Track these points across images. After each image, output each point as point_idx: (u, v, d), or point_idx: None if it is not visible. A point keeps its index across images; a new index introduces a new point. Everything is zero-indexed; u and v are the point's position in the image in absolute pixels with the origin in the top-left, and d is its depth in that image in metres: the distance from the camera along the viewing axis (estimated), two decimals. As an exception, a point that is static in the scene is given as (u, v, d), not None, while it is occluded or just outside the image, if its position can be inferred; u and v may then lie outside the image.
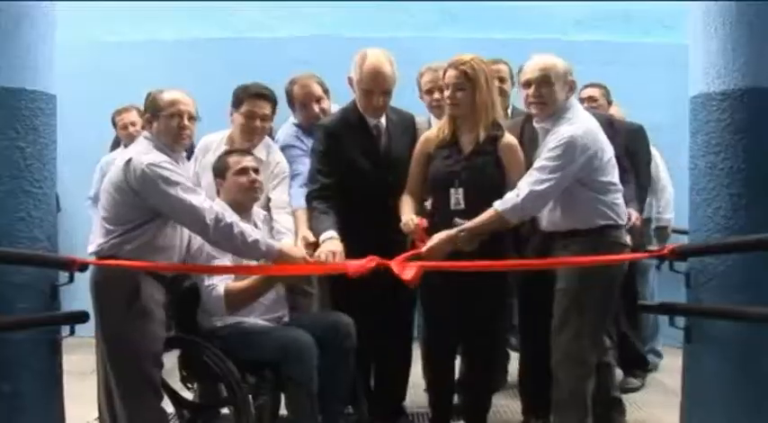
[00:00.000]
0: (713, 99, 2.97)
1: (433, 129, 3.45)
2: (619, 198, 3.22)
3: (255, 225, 3.34)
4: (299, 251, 3.17)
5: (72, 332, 3.10)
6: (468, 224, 3.14)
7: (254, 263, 3.23)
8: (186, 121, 3.08)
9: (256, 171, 3.32)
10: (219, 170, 3.35)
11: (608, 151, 3.19)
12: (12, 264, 2.88)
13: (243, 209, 3.29)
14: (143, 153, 3.01)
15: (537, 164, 3.13)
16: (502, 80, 3.94)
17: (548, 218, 3.27)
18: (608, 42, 5.76)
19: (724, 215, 2.94)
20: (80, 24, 5.46)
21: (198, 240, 3.15)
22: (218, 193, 3.37)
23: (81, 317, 3.07)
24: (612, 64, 5.02)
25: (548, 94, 3.16)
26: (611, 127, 3.56)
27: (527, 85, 3.21)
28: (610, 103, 4.52)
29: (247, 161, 3.31)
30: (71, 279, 3.02)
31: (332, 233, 3.21)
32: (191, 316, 3.28)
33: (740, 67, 2.89)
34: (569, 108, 3.21)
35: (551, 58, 3.21)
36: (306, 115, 3.77)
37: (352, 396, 3.52)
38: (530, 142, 3.39)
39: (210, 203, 3.04)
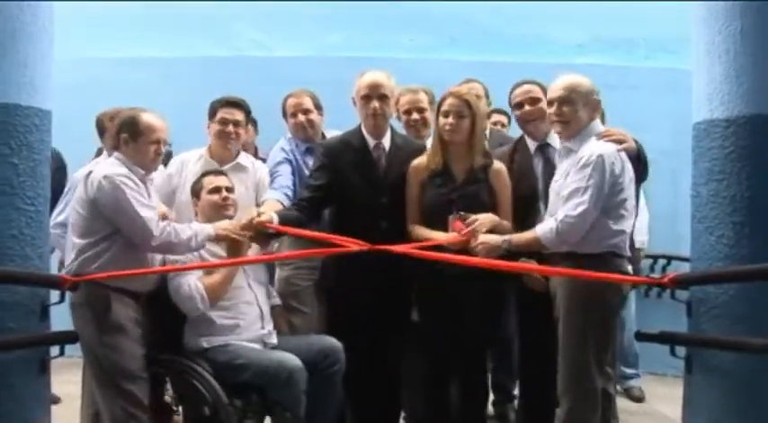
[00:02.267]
0: (717, 126, 2.93)
1: (421, 158, 3.42)
2: (629, 226, 3.14)
3: None
4: (231, 223, 3.27)
5: (62, 352, 3.07)
6: (514, 238, 3.15)
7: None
8: (162, 148, 3.20)
9: (229, 190, 3.43)
10: (195, 191, 3.45)
11: (630, 175, 3.13)
12: (2, 282, 2.83)
13: None
14: (105, 166, 3.11)
15: (566, 190, 3.07)
16: (477, 97, 3.94)
17: None
18: (609, 66, 5.73)
19: (726, 244, 2.89)
20: (77, 40, 5.43)
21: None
22: (195, 214, 3.45)
23: (71, 337, 3.03)
24: (614, 88, 4.96)
25: (569, 112, 3.12)
26: None
27: (550, 104, 3.19)
28: None
29: (220, 181, 3.44)
30: (62, 298, 2.99)
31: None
32: (175, 336, 3.26)
33: (744, 94, 2.86)
34: (595, 129, 3.17)
35: (576, 77, 3.18)
36: (293, 124, 3.90)
37: (340, 421, 3.47)
38: (519, 167, 3.49)
39: (158, 219, 3.12)
